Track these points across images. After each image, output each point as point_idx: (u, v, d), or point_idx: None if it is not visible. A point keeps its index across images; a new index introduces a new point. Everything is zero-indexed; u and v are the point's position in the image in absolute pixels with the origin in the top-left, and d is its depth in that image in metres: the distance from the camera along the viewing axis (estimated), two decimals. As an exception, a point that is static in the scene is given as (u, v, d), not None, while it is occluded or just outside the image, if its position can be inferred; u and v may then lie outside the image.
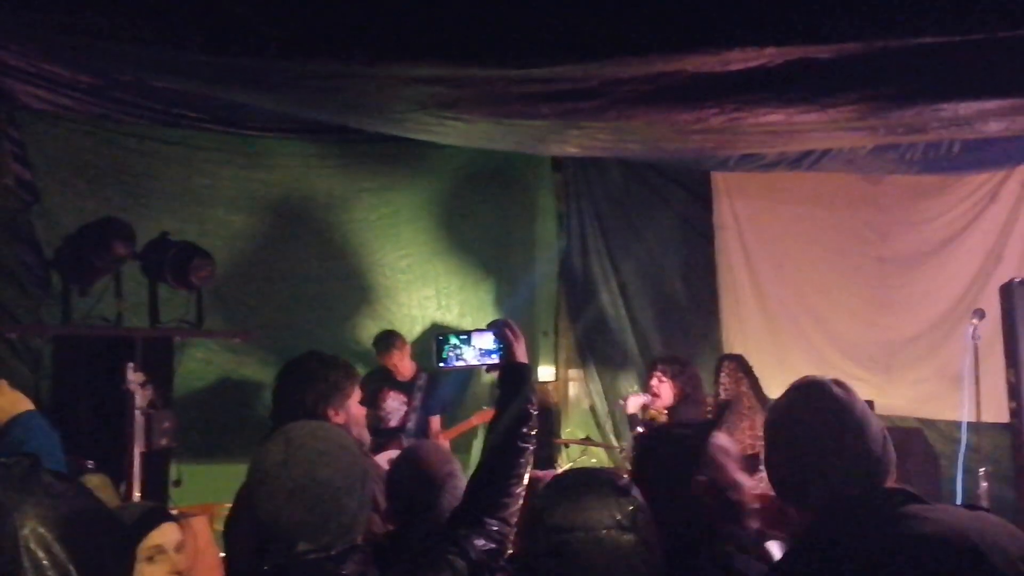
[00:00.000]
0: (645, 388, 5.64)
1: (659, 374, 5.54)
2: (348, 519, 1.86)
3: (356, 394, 3.05)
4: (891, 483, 1.83)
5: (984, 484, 4.79)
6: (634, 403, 5.59)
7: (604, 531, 1.67)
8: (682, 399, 5.49)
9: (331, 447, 1.88)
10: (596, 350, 7.59)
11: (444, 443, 5.96)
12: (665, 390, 5.50)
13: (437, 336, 2.88)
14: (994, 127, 3.85)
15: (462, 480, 2.73)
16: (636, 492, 1.78)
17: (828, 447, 1.82)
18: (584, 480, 1.86)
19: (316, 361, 3.06)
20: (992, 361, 4.97)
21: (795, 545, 1.89)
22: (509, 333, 2.63)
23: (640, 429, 5.51)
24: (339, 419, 2.88)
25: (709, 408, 5.53)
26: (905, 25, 2.58)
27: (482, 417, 6.05)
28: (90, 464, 3.74)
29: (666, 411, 5.58)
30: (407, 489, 2.85)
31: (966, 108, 3.48)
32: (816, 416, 1.86)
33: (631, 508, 1.72)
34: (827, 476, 1.80)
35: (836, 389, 1.90)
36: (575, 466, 6.07)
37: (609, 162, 7.28)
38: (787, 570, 1.85)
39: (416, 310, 7.05)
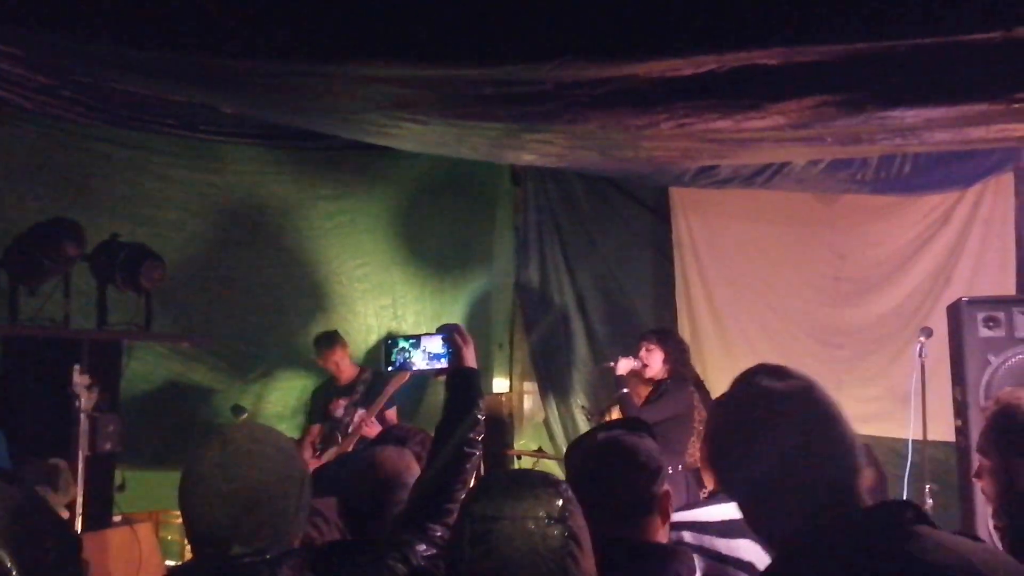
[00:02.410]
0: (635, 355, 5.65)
1: (647, 343, 5.57)
2: (284, 523, 1.83)
3: None
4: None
5: (930, 501, 4.86)
6: (624, 365, 5.60)
7: (532, 521, 1.62)
8: (671, 372, 5.53)
9: (268, 449, 1.85)
10: (551, 363, 7.59)
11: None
12: (654, 359, 5.54)
13: (386, 340, 2.87)
14: (940, 137, 3.89)
15: None
16: (567, 488, 1.74)
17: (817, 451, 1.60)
18: (514, 475, 1.83)
19: None
20: (939, 379, 5.04)
21: (784, 556, 1.63)
22: (458, 337, 2.62)
23: (625, 390, 5.55)
24: None
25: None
26: (851, 31, 2.62)
27: (397, 382, 6.00)
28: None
29: (653, 383, 5.61)
30: (359, 493, 2.80)
31: (913, 117, 3.51)
32: (809, 414, 1.62)
33: (560, 502, 1.67)
34: (814, 489, 1.57)
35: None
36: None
37: (568, 177, 7.30)
38: None
39: (372, 319, 7.01)
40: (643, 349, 5.59)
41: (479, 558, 1.61)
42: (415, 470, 2.85)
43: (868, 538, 1.51)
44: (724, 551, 2.40)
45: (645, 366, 5.56)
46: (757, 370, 1.74)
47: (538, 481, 1.73)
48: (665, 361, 5.55)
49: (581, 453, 2.22)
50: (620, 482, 2.08)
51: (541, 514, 1.64)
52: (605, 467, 2.11)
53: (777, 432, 1.61)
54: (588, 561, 1.67)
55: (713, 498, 2.61)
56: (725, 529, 2.44)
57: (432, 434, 2.60)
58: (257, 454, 1.82)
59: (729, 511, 2.51)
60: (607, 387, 6.32)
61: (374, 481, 2.80)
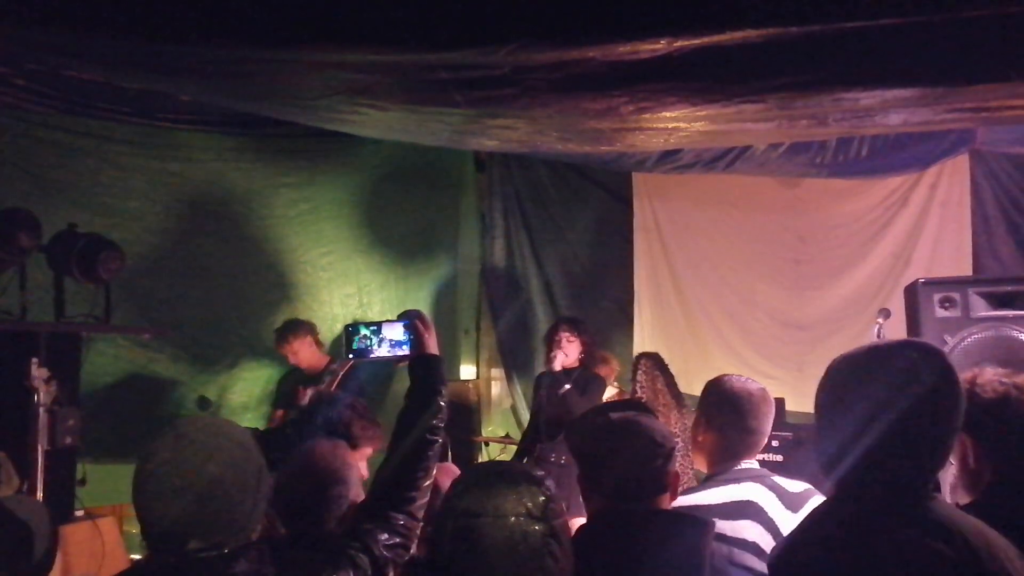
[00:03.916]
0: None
1: (568, 334, 5.75)
2: (242, 516, 1.82)
3: None
4: None
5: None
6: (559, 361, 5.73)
7: (513, 518, 1.65)
8: (583, 360, 5.75)
9: (223, 443, 1.83)
10: (518, 349, 7.61)
11: None
12: (572, 348, 5.73)
13: (347, 327, 2.84)
14: (895, 119, 3.92)
15: (353, 486, 2.66)
16: (549, 483, 1.77)
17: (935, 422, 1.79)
18: (497, 469, 1.86)
19: None
20: (898, 360, 5.10)
21: (837, 537, 1.79)
22: (420, 324, 2.61)
23: (568, 386, 5.64)
24: None
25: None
26: (805, 12, 2.63)
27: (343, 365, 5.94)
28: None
29: (564, 370, 5.74)
30: (295, 491, 2.68)
31: (868, 98, 3.52)
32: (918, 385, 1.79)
33: (543, 499, 1.70)
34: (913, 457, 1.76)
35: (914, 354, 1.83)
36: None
37: (533, 162, 7.31)
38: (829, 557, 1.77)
39: (338, 308, 6.97)
40: (564, 339, 5.73)
41: (461, 553, 1.65)
42: (352, 462, 2.78)
43: (902, 511, 1.72)
44: (729, 532, 2.42)
45: (566, 355, 5.73)
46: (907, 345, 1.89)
47: (521, 477, 1.76)
48: (582, 351, 5.74)
49: (594, 432, 2.27)
50: (638, 461, 2.16)
51: (522, 511, 1.67)
52: (623, 446, 2.18)
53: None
54: (567, 558, 1.71)
55: (710, 480, 2.63)
56: (729, 511, 2.47)
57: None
58: (212, 447, 1.81)
59: (729, 493, 2.54)
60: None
61: (310, 477, 2.69)
